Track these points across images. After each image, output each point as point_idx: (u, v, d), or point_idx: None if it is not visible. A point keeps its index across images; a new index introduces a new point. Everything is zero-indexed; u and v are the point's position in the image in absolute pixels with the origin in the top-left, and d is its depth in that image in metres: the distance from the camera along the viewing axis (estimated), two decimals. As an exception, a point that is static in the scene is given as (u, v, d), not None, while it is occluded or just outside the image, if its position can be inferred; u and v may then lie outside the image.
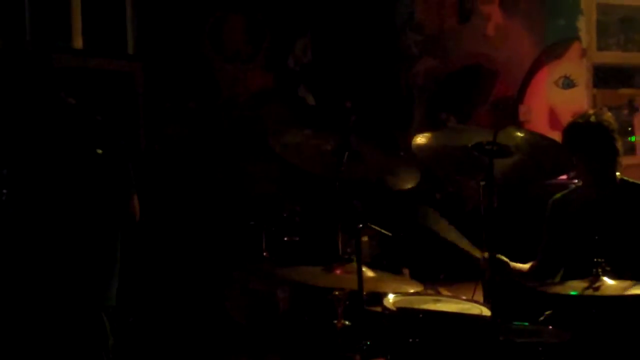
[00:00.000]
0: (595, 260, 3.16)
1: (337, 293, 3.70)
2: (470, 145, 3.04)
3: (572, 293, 3.15)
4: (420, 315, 3.20)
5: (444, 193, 6.12)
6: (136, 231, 3.81)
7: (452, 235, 3.62)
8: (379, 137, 5.86)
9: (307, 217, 5.57)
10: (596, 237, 3.35)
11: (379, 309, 3.37)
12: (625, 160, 3.80)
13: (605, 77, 6.33)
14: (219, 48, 6.26)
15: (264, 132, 3.59)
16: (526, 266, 3.91)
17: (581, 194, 3.80)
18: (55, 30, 5.76)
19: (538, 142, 3.12)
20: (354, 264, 3.20)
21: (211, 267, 5.55)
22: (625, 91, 6.33)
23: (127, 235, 3.76)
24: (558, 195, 3.91)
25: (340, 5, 6.40)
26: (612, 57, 6.42)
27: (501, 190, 3.00)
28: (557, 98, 6.25)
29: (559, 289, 3.31)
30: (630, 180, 3.74)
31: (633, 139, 6.11)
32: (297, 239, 5.42)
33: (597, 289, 3.09)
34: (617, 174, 3.71)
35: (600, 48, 6.36)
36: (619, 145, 3.70)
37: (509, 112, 6.26)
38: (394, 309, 3.27)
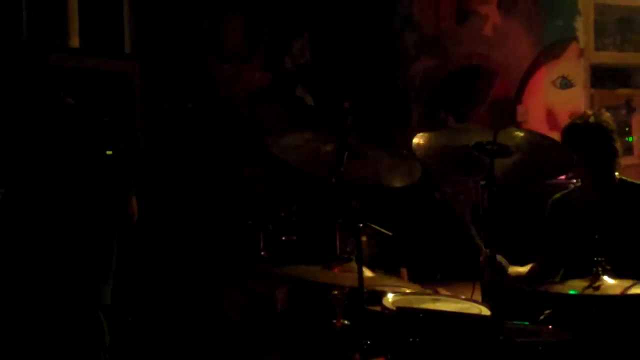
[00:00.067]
0: (595, 259, 3.16)
1: (336, 292, 3.71)
2: (470, 145, 3.04)
3: (572, 292, 3.15)
4: (421, 315, 3.19)
5: (443, 193, 6.13)
6: (134, 231, 3.81)
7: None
8: (377, 137, 5.85)
9: (304, 216, 5.58)
10: (596, 237, 3.35)
11: (378, 308, 3.38)
12: (622, 161, 3.81)
13: (602, 77, 6.33)
14: (216, 48, 6.26)
15: (262, 132, 3.59)
16: (524, 269, 3.90)
17: (580, 194, 3.80)
18: (51, 29, 5.75)
19: (538, 141, 3.13)
20: (353, 264, 3.21)
21: (209, 266, 5.54)
22: (622, 91, 6.34)
23: (125, 235, 3.76)
24: (557, 195, 3.91)
25: (338, 5, 6.40)
26: (610, 57, 6.42)
27: (501, 190, 3.00)
28: (555, 98, 6.25)
29: (559, 288, 3.31)
30: (629, 180, 3.74)
31: (631, 139, 6.11)
32: (295, 238, 5.43)
33: (597, 288, 3.09)
34: (616, 174, 3.71)
35: (597, 48, 6.37)
36: (618, 146, 3.70)
37: (507, 112, 6.27)
38: (394, 308, 3.27)
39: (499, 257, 3.56)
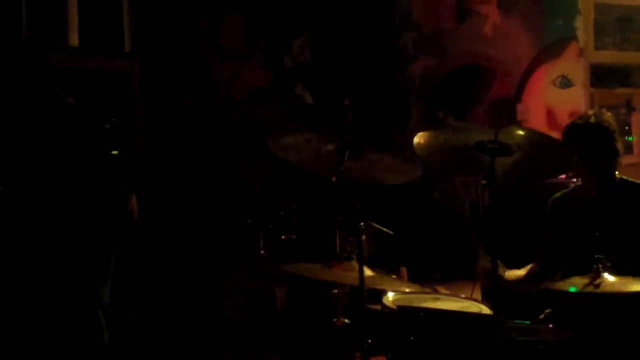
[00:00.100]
0: (595, 256, 3.15)
1: (336, 291, 3.71)
2: (471, 144, 3.04)
3: (572, 289, 3.14)
4: (421, 314, 3.19)
5: (442, 192, 6.13)
6: (134, 230, 3.82)
7: None
8: (376, 136, 5.85)
9: (304, 215, 5.58)
10: (597, 234, 3.35)
11: (378, 307, 3.38)
12: (622, 160, 3.80)
13: (602, 77, 6.32)
14: (216, 47, 6.26)
15: (262, 131, 3.59)
16: (522, 271, 3.89)
17: (581, 193, 3.79)
18: (51, 28, 5.75)
19: (539, 140, 3.13)
20: (353, 263, 3.21)
21: (209, 265, 5.54)
22: (622, 90, 6.33)
23: (125, 234, 3.76)
24: (558, 194, 3.90)
25: (338, 5, 6.40)
26: (610, 56, 6.41)
27: (501, 189, 3.00)
28: (555, 97, 6.24)
29: (560, 286, 3.30)
30: (630, 179, 3.74)
31: (631, 138, 6.10)
32: (295, 237, 5.43)
33: (597, 286, 3.08)
34: (617, 173, 3.71)
35: (597, 47, 6.36)
36: (619, 145, 3.69)
37: (506, 111, 6.26)
38: (394, 307, 3.27)
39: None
